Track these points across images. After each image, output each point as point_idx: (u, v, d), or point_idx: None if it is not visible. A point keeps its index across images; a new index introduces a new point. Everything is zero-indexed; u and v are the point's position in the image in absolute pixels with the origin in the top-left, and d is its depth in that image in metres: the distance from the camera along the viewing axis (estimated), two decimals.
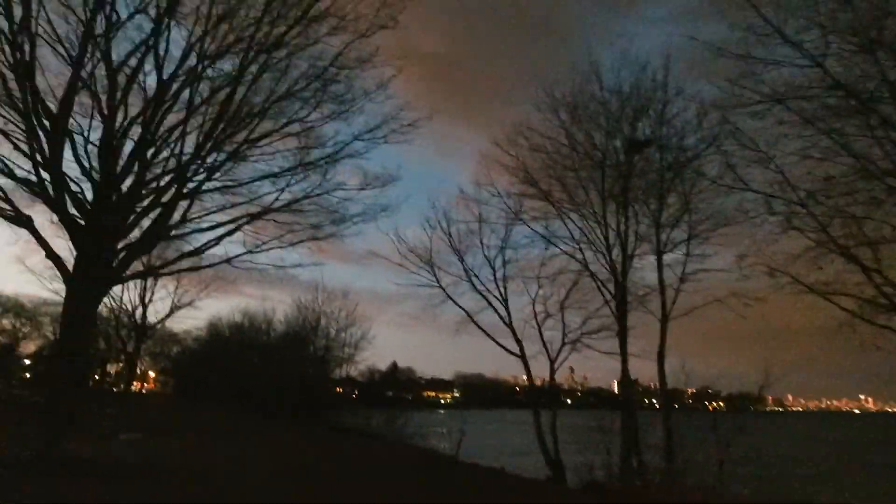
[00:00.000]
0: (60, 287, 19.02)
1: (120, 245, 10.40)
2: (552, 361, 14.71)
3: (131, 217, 10.34)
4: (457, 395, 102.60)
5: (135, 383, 63.47)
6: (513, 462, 20.90)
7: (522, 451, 27.57)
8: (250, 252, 11.10)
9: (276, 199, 11.77)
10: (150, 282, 23.55)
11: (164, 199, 10.32)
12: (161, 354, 52.45)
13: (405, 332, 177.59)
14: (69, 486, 7.60)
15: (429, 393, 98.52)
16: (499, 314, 14.87)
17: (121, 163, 10.08)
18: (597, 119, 12.19)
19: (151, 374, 63.30)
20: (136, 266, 12.21)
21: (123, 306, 23.86)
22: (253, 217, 11.26)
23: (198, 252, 10.89)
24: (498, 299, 14.98)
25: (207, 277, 24.24)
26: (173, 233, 11.06)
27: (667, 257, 11.47)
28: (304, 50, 10.25)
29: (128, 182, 10.41)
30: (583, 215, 12.51)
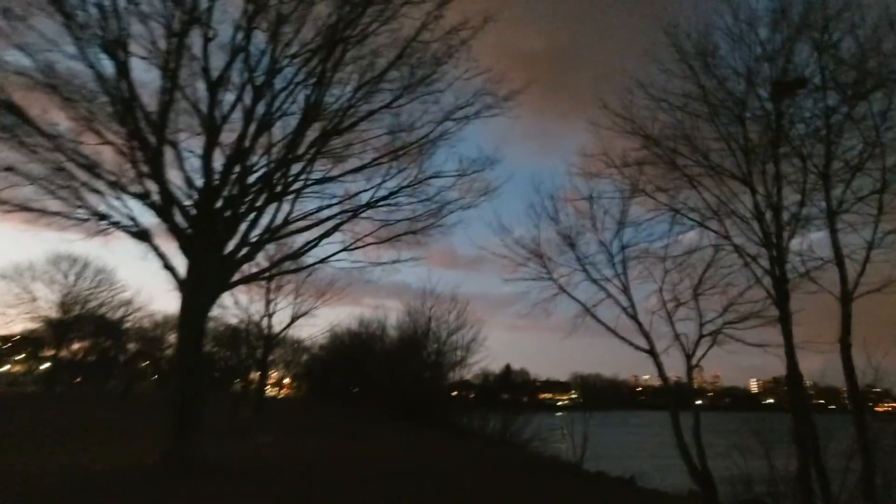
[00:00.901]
0: None
1: (226, 252, 10.38)
2: (688, 356, 12.45)
3: (234, 223, 10.26)
4: (574, 396, 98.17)
5: (269, 389, 68.99)
6: (641, 470, 18.59)
7: (651, 457, 24.79)
8: (346, 250, 10.53)
9: (372, 195, 11.14)
10: (273, 292, 24.66)
11: (259, 203, 10.10)
12: (293, 362, 56.08)
13: (518, 335, 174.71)
14: (214, 485, 7.76)
15: (545, 395, 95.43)
16: (620, 305, 12.93)
17: (219, 169, 10.04)
18: (731, 60, 9.89)
19: (286, 380, 68.11)
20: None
21: (251, 316, 25.29)
22: (350, 214, 10.70)
23: (297, 255, 10.56)
24: (618, 287, 13.06)
25: (322, 286, 24.89)
26: (274, 236, 10.84)
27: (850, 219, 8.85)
28: (384, 25, 9.42)
29: (228, 190, 10.38)
30: (720, 180, 10.22)
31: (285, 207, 11.14)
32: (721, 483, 11.46)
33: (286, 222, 11.02)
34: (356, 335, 40.03)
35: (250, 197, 10.11)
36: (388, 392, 31.69)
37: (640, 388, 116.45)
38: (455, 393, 47.46)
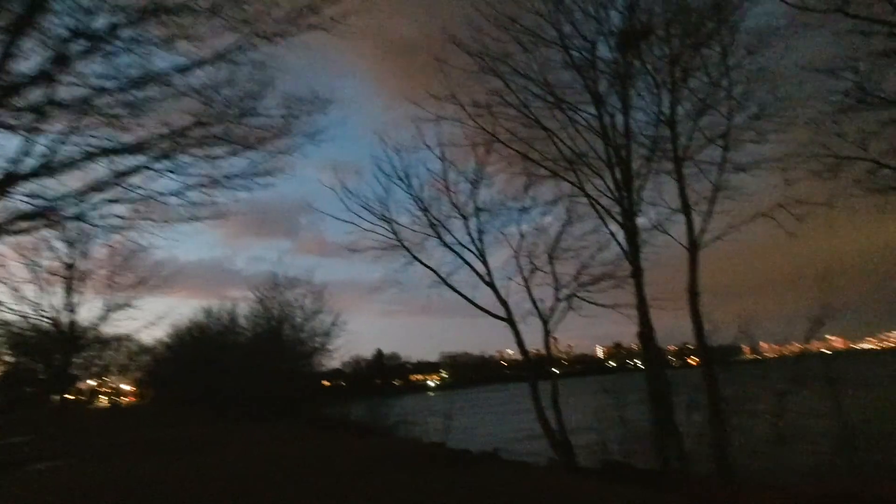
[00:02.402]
0: None
1: None
2: (545, 322, 11.79)
3: None
4: (444, 375, 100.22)
5: (105, 398, 59.21)
6: (507, 442, 18.24)
7: (516, 430, 25.02)
8: (117, 202, 7.67)
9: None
10: (77, 281, 19.65)
11: None
12: (131, 365, 48.24)
13: (391, 320, 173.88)
14: None
15: (417, 377, 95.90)
16: (476, 272, 11.81)
17: None
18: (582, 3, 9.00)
19: (126, 387, 58.91)
20: None
21: (41, 312, 19.54)
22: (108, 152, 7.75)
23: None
24: (474, 254, 11.92)
25: (136, 276, 20.36)
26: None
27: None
28: None
29: None
30: (576, 132, 9.39)
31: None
32: (581, 449, 10.99)
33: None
34: (203, 329, 35.18)
35: None
36: (245, 390, 28.06)
37: (506, 363, 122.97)
38: (327, 383, 44.66)
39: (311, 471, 9.32)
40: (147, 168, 8.14)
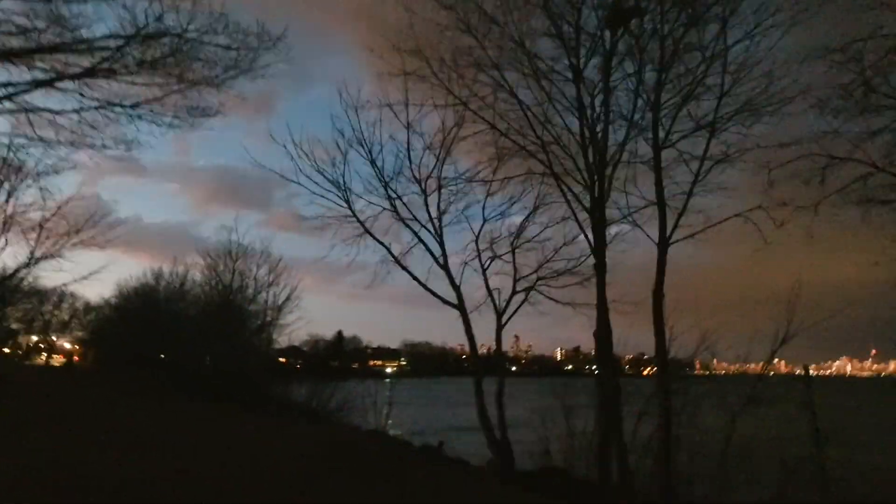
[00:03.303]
0: None
1: None
2: (500, 314, 10.92)
3: None
4: (404, 363, 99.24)
5: (42, 356, 56.02)
6: (455, 434, 17.42)
7: (469, 423, 24.31)
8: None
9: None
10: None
11: None
12: (72, 323, 45.65)
13: (356, 304, 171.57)
14: None
15: (376, 363, 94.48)
16: (431, 252, 10.80)
17: None
18: None
19: (66, 345, 55.73)
20: None
21: None
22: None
23: None
24: (431, 233, 10.91)
25: (67, 226, 18.16)
26: None
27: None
28: None
29: None
30: (552, 108, 8.44)
31: None
32: (521, 454, 10.20)
33: None
34: (151, 290, 33.19)
35: None
36: (188, 360, 26.33)
37: (465, 357, 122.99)
38: (283, 360, 42.90)
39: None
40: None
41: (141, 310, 34.63)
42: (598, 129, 8.14)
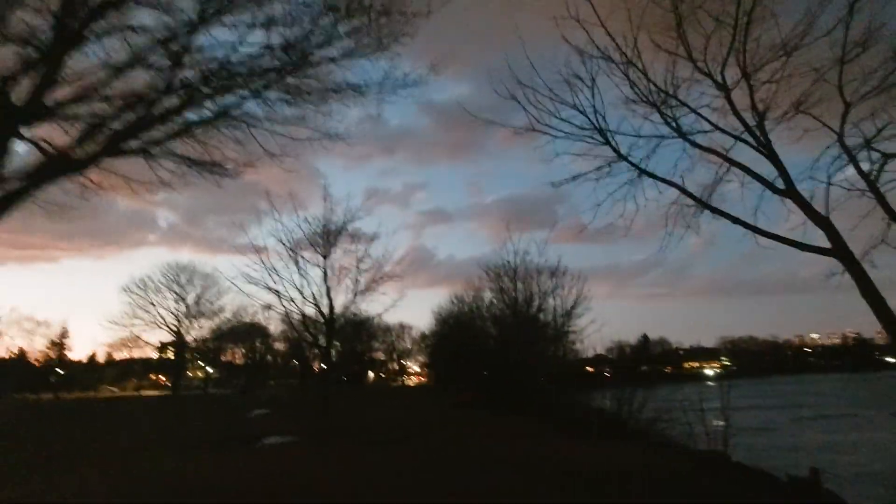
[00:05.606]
0: None
1: None
2: None
3: None
4: (726, 363, 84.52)
5: (398, 379, 69.11)
6: (823, 462, 12.16)
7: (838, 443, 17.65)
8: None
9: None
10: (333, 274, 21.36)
11: None
12: (412, 350, 55.13)
13: (654, 304, 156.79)
14: None
15: (691, 364, 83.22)
16: (761, 179, 7.21)
17: None
18: None
19: (415, 368, 67.66)
20: None
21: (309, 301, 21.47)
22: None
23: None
24: (753, 146, 7.36)
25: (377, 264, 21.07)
26: None
27: None
28: None
29: None
30: None
31: None
32: None
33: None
34: (458, 316, 36.64)
35: None
36: (499, 377, 27.38)
37: (809, 349, 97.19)
38: (591, 370, 41.57)
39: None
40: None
41: (452, 333, 38.76)
42: None
